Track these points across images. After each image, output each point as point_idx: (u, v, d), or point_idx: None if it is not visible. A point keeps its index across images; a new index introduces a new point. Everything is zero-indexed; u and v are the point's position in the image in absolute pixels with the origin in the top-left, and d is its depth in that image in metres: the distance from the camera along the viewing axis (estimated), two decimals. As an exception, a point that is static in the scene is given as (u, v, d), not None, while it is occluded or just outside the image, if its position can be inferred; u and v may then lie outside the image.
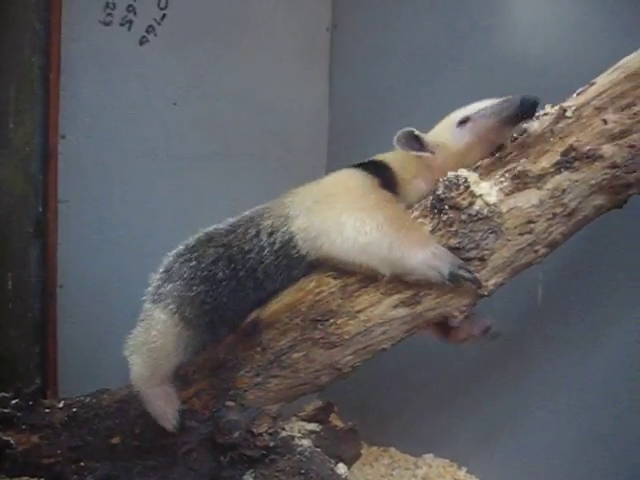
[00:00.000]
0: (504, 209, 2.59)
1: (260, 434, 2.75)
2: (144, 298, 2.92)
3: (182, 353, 2.81)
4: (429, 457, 3.93)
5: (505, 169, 2.64)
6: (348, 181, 2.77)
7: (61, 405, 3.03)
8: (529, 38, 3.53)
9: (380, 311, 2.69)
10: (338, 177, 2.87)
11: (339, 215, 2.63)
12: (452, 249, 2.58)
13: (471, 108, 2.76)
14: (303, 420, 3.37)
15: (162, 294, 2.84)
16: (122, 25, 3.92)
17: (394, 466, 3.96)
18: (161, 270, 2.93)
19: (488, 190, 2.57)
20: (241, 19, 4.29)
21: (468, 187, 2.57)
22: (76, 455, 2.92)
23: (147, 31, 3.99)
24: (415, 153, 2.77)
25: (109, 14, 3.88)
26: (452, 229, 2.60)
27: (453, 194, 2.60)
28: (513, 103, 2.60)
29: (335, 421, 3.68)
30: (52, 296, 3.77)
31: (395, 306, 2.68)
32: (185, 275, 2.82)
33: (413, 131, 2.77)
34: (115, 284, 3.83)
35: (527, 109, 2.59)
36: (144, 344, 2.83)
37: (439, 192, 2.63)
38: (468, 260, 2.56)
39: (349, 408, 3.88)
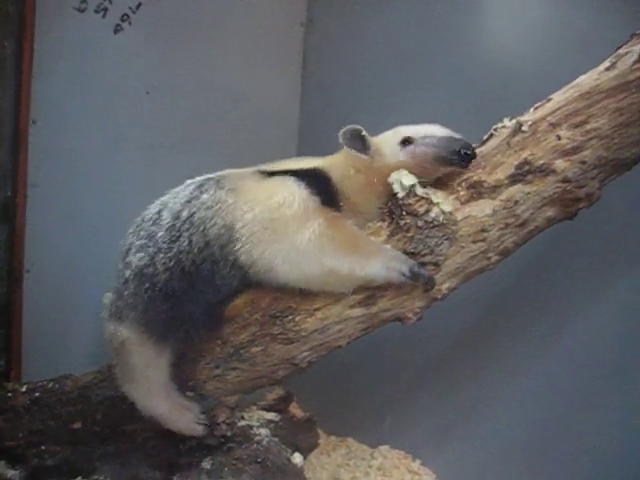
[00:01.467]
0: (459, 217, 2.68)
1: (218, 424, 2.82)
2: (105, 316, 2.89)
3: (163, 362, 2.80)
4: (385, 448, 4.03)
5: (462, 178, 2.73)
6: (293, 202, 2.68)
7: (24, 389, 3.07)
8: (506, 38, 3.57)
9: (337, 310, 2.77)
10: (281, 193, 2.73)
11: (290, 249, 2.63)
12: (408, 254, 2.66)
13: (419, 130, 2.76)
14: (262, 409, 3.45)
15: (125, 318, 2.80)
16: (97, 12, 3.89)
17: (351, 456, 4.04)
18: (114, 297, 2.87)
19: (444, 198, 2.66)
20: (216, 11, 4.27)
21: (425, 195, 2.65)
22: (37, 439, 2.96)
23: (122, 19, 3.97)
24: (354, 153, 2.76)
25: (84, 1, 3.86)
26: (409, 234, 2.68)
27: (411, 201, 2.67)
28: (453, 147, 2.63)
29: (294, 410, 3.78)
30: (18, 280, 3.77)
31: (352, 306, 2.76)
32: (144, 299, 2.76)
33: (361, 130, 2.76)
34: (82, 270, 3.84)
35: (459, 160, 2.64)
36: (127, 369, 2.81)
37: (398, 198, 2.69)
38: (423, 265, 2.65)
39: (308, 398, 3.97)
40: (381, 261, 2.62)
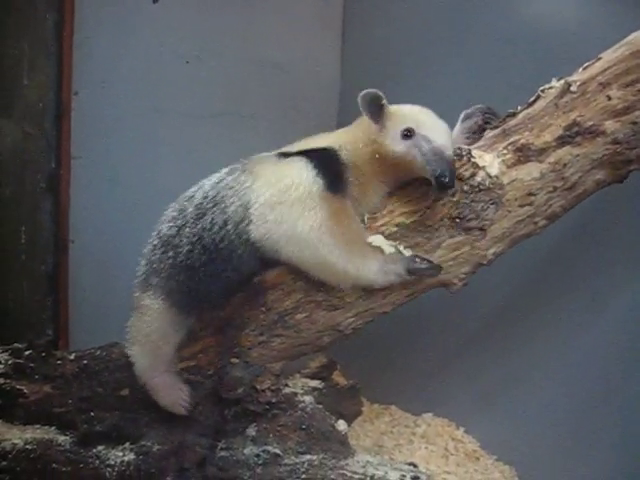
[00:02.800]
0: (506, 181, 2.65)
1: (263, 390, 2.82)
2: (135, 282, 2.99)
3: (177, 335, 2.89)
4: (428, 416, 4.02)
5: (508, 142, 2.68)
6: (299, 186, 2.71)
7: (72, 357, 3.09)
8: (546, 8, 3.49)
9: (382, 276, 2.75)
10: (290, 176, 2.77)
11: (293, 233, 2.68)
12: (453, 219, 2.63)
13: (424, 123, 2.67)
14: (306, 377, 3.45)
15: (149, 284, 2.90)
16: (137, -18, 3.92)
17: (394, 424, 4.06)
18: (144, 262, 2.99)
19: (491, 162, 2.62)
20: (256, -22, 4.27)
21: (471, 158, 2.61)
22: (86, 405, 2.99)
23: (161, -12, 3.98)
24: (367, 117, 2.73)
25: (123, -28, 3.88)
26: (454, 199, 2.65)
27: (456, 165, 2.62)
28: (437, 168, 2.54)
29: (337, 378, 3.76)
30: (64, 250, 3.83)
31: (397, 272, 2.74)
32: (166, 266, 2.87)
33: (381, 98, 2.71)
34: (125, 239, 3.87)
35: (436, 185, 2.56)
36: (140, 333, 2.90)
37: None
38: (469, 230, 2.62)
39: (352, 366, 3.96)
40: (377, 264, 2.65)
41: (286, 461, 2.66)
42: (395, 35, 4.31)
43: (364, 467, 2.62)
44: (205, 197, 2.89)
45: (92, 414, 2.97)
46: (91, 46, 3.81)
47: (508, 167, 2.65)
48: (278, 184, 2.76)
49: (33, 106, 3.79)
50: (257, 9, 4.27)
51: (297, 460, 2.66)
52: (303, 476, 2.61)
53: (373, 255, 2.68)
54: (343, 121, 4.55)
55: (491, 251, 2.69)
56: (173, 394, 2.88)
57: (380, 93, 2.71)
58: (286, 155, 2.89)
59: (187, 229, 2.86)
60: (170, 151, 4.01)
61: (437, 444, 3.79)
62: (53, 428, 2.97)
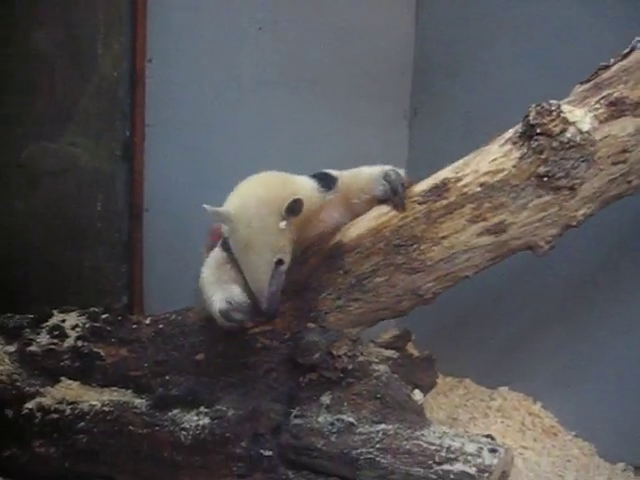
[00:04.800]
0: (598, 137, 2.52)
1: (339, 356, 2.78)
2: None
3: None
4: (504, 390, 3.92)
5: (601, 96, 2.56)
6: None
7: (148, 321, 3.11)
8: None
9: (464, 238, 2.67)
10: None
11: None
12: (541, 178, 2.52)
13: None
14: (380, 347, 3.40)
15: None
16: (210, -51, 3.90)
17: (469, 397, 3.98)
18: None
19: (582, 117, 2.50)
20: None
21: (561, 113, 2.49)
22: (162, 369, 3.00)
23: (235, -46, 3.96)
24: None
25: (196, -62, 3.86)
26: (542, 156, 2.53)
27: (545, 120, 2.51)
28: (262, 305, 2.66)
29: (411, 350, 3.71)
30: (138, 218, 3.87)
31: (480, 234, 2.65)
32: None
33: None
34: (198, 207, 3.88)
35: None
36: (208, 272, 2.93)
37: (530, 118, 2.55)
38: (557, 189, 2.51)
39: (425, 338, 3.90)
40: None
41: (360, 430, 2.62)
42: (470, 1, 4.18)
43: (440, 438, 2.55)
44: None
45: (167, 378, 2.97)
46: (165, 13, 3.82)
47: (600, 122, 2.52)
48: None
49: (108, 75, 3.81)
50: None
51: (372, 429, 2.62)
52: (377, 445, 2.57)
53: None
54: (416, 86, 4.54)
55: (581, 212, 2.57)
56: None
57: (207, 209, 2.74)
58: None
59: None
60: (244, 118, 4.00)
61: (513, 418, 3.69)
62: (129, 391, 2.99)
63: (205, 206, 2.67)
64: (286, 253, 2.70)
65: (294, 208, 2.64)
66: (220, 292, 2.73)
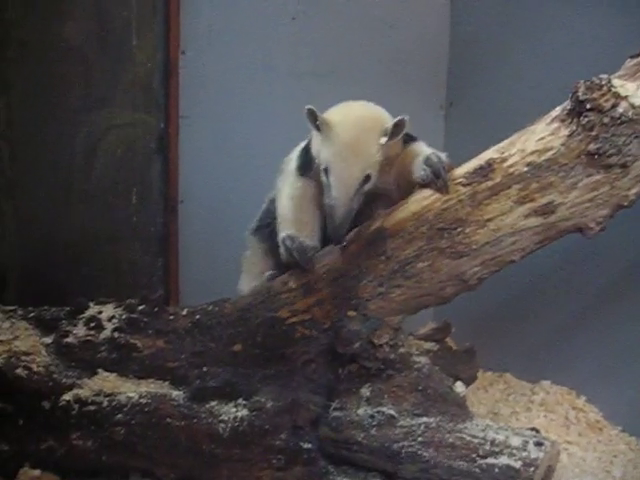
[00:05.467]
0: (652, 111, 2.43)
1: (381, 345, 2.73)
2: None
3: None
4: (547, 384, 3.85)
5: (656, 65, 2.46)
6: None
7: (184, 312, 3.08)
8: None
9: (511, 220, 2.59)
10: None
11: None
12: (591, 156, 2.44)
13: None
14: (420, 339, 3.35)
15: (259, 232, 3.22)
16: (242, -62, 3.88)
17: (510, 391, 3.92)
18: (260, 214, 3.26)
19: (634, 91, 2.41)
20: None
21: (612, 88, 2.41)
22: (199, 360, 2.98)
23: (266, -56, 3.93)
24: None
25: None
26: (592, 133, 2.45)
27: (595, 95, 2.43)
28: (334, 221, 2.68)
29: (450, 344, 3.65)
30: (174, 211, 3.86)
31: (527, 215, 2.58)
32: (260, 216, 3.23)
33: (314, 112, 2.75)
34: (234, 199, 3.88)
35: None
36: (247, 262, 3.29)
37: (579, 94, 2.47)
38: (608, 167, 2.43)
39: (465, 332, 3.82)
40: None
41: (401, 423, 2.58)
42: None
43: (484, 431, 2.50)
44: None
45: (205, 369, 2.95)
46: (198, 4, 3.81)
47: (655, 95, 2.43)
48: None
49: (142, 66, 3.80)
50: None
51: (413, 422, 2.58)
52: (419, 439, 2.52)
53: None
54: (452, 80, 4.48)
55: (633, 191, 2.48)
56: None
57: (313, 109, 2.71)
58: None
59: (274, 191, 3.13)
60: (277, 109, 3.97)
61: (557, 412, 3.62)
62: (166, 383, 2.97)
63: (308, 107, 2.71)
64: (375, 172, 2.71)
65: (398, 127, 2.67)
66: (294, 229, 2.89)
